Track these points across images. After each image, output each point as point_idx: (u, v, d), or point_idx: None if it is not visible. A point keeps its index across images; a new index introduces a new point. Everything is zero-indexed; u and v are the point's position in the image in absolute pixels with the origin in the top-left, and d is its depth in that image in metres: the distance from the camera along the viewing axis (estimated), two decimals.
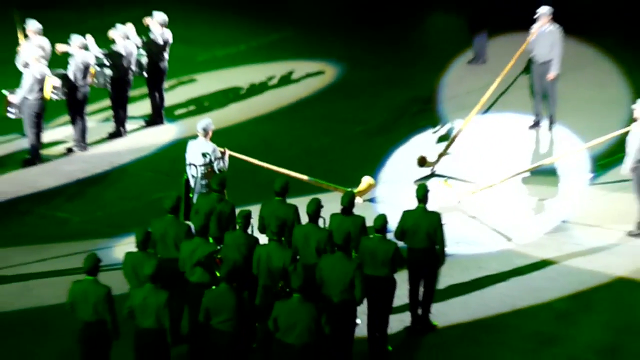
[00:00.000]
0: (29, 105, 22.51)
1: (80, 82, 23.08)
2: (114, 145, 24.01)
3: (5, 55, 23.57)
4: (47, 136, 23.53)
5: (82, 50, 23.15)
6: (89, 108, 23.96)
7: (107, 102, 24.59)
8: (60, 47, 23.31)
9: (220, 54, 28.96)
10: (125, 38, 23.81)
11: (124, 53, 23.73)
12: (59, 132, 24.27)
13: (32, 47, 23.01)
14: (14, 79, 23.21)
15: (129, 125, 24.55)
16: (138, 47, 24.07)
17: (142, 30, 24.54)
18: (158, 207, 17.58)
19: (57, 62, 23.65)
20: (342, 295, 16.04)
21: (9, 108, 22.71)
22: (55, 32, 24.30)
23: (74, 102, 23.24)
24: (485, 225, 20.58)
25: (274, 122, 25.08)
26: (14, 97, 22.57)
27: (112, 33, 23.80)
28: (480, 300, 18.42)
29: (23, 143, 23.33)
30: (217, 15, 31.68)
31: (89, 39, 23.48)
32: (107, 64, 23.69)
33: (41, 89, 22.42)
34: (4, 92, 22.72)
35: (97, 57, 23.56)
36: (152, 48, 24.33)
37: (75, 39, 23.12)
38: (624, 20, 29.45)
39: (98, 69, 23.61)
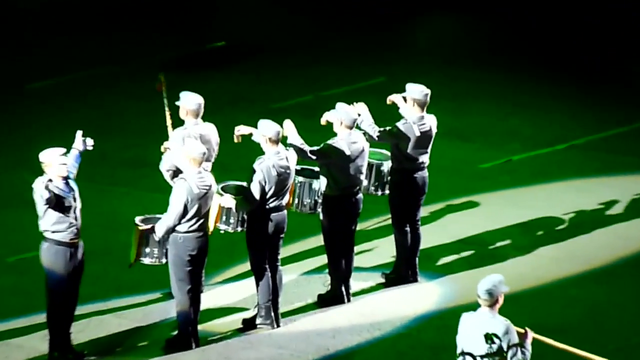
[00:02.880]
0: (179, 245, 10.78)
1: (271, 202, 11.49)
2: (328, 318, 12.41)
3: (140, 151, 13.08)
4: (207, 299, 11.70)
5: (277, 147, 11.30)
6: (285, 250, 12.12)
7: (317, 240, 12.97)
8: (244, 130, 11.76)
9: (517, 158, 16.63)
10: (348, 127, 11.88)
11: (348, 152, 11.71)
12: (226, 292, 12.87)
13: (188, 141, 11.36)
14: (155, 195, 12.67)
15: (355, 283, 12.85)
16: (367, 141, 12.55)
17: (384, 114, 12.60)
18: None
19: (234, 172, 12.33)
20: None
21: (143, 247, 10.89)
22: (225, 110, 14.01)
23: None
24: None
25: (611, 281, 13.78)
26: (154, 229, 11.05)
27: (327, 116, 12.08)
28: None
29: (169, 309, 11.65)
30: (525, 85, 18.64)
31: (287, 125, 11.69)
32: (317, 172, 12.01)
33: (200, 215, 10.84)
34: (136, 220, 11.03)
35: (300, 160, 11.83)
36: (401, 145, 12.28)
37: (267, 128, 11.54)
38: None
39: (302, 179, 11.84)
